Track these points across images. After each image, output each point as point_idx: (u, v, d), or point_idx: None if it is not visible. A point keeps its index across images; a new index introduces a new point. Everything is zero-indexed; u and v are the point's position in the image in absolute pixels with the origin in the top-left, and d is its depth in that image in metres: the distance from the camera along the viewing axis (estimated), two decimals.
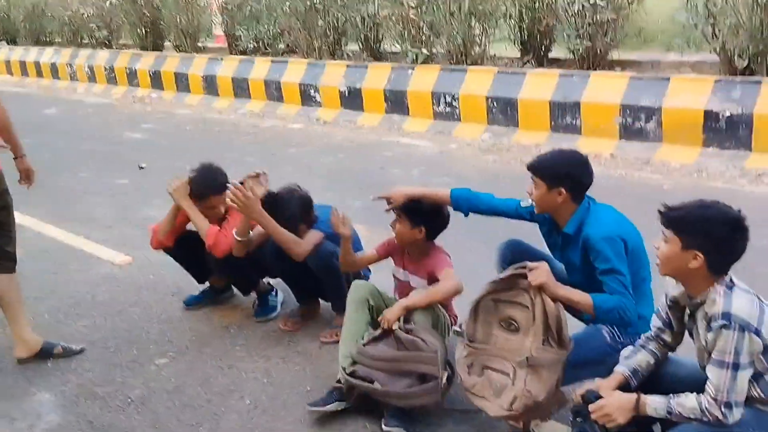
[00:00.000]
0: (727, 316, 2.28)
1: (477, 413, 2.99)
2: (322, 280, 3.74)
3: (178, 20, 13.12)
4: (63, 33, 16.42)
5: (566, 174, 2.92)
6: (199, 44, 13.61)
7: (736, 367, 2.27)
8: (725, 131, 6.71)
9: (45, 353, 3.77)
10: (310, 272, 3.76)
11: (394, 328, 3.10)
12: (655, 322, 2.71)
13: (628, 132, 7.29)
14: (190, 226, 4.04)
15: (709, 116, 6.78)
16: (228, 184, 3.62)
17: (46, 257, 5.29)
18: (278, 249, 3.76)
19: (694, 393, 2.37)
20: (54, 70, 15.33)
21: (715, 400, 2.29)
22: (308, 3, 10.83)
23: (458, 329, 3.05)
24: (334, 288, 3.74)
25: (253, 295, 4.25)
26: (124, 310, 4.35)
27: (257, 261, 3.90)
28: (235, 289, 4.41)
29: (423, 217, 3.35)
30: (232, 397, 3.36)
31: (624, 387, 2.59)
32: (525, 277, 2.81)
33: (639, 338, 2.82)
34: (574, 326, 2.96)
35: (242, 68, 11.49)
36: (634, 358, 2.67)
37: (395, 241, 3.53)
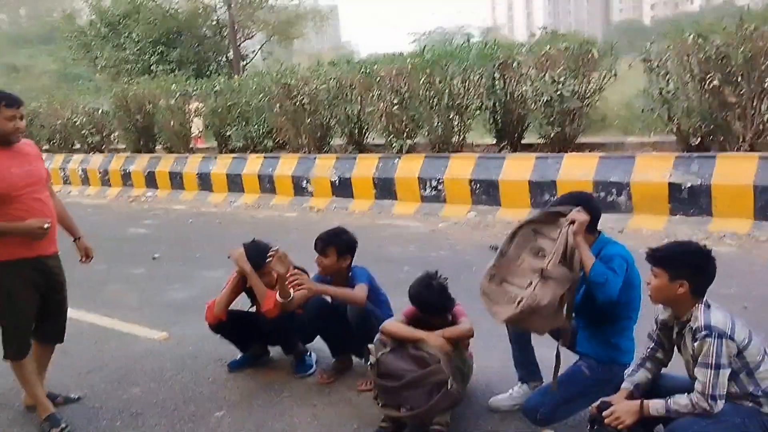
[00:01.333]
0: (708, 327, 2.93)
1: None
2: (358, 334, 4.27)
3: (172, 124, 13.91)
4: (54, 140, 17.11)
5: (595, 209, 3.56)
6: (191, 146, 14.38)
7: (718, 366, 2.89)
8: (688, 200, 7.53)
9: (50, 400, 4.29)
10: (345, 331, 4.35)
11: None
12: (649, 344, 3.32)
13: (602, 205, 8.00)
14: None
15: (673, 188, 7.61)
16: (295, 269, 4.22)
17: (87, 338, 5.73)
18: (317, 312, 4.37)
19: (686, 393, 2.98)
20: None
21: (702, 394, 2.91)
22: (297, 103, 11.71)
23: (494, 244, 3.59)
24: (369, 341, 4.28)
25: (291, 357, 4.79)
26: (173, 377, 4.82)
27: (300, 326, 4.50)
28: (271, 353, 4.95)
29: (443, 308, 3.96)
30: None
31: (629, 398, 3.19)
32: (565, 216, 3.37)
33: (615, 368, 3.45)
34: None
35: (235, 165, 12.25)
36: (636, 375, 3.28)
37: None
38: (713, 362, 2.89)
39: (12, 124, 3.87)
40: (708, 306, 3.02)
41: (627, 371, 3.36)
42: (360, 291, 4.23)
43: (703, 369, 2.92)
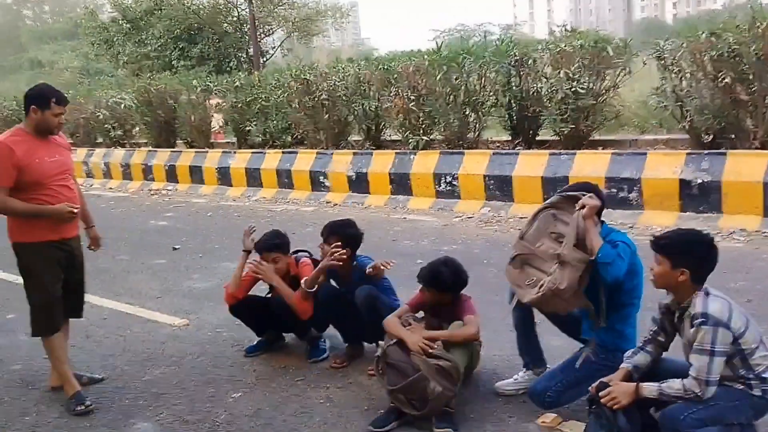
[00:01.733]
0: (705, 315, 3.05)
1: (511, 418, 3.72)
2: (368, 319, 4.45)
3: (193, 119, 14.16)
4: (77, 134, 17.43)
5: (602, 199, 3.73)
6: (211, 141, 14.64)
7: (712, 353, 3.02)
8: (699, 197, 7.63)
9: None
10: (355, 318, 4.55)
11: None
12: (652, 327, 3.46)
13: (613, 201, 8.17)
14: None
15: (684, 185, 7.71)
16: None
17: (109, 323, 5.97)
18: (329, 301, 4.59)
19: (679, 378, 3.11)
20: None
21: (696, 379, 3.04)
22: (315, 99, 11.91)
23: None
24: (377, 327, 4.44)
25: (305, 343, 4.99)
26: (193, 360, 5.03)
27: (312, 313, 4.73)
28: (286, 339, 5.15)
29: (449, 285, 4.08)
30: (303, 417, 4.03)
31: (628, 379, 3.34)
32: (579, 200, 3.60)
33: (618, 354, 3.57)
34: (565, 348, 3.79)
35: (254, 160, 12.48)
36: (636, 357, 3.43)
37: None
38: (709, 349, 3.01)
39: (57, 120, 4.22)
40: (707, 294, 3.14)
41: (627, 353, 3.50)
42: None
43: (698, 355, 3.04)
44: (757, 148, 7.78)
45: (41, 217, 4.20)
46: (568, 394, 3.73)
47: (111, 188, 14.87)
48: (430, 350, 3.79)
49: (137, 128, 16.47)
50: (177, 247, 8.64)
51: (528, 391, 3.89)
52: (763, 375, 3.08)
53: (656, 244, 3.25)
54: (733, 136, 8.14)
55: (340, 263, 4.47)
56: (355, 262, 4.66)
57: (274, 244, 4.81)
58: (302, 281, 4.57)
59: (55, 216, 4.22)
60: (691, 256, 3.15)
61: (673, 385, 3.10)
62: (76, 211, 4.29)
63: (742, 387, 3.09)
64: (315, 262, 4.99)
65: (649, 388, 3.17)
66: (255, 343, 5.11)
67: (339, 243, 4.52)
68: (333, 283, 4.80)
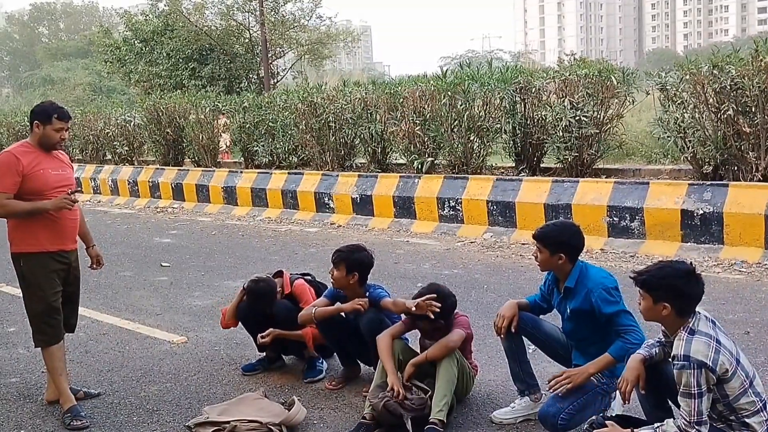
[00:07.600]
0: (686, 357, 3.02)
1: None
2: (368, 343, 4.47)
3: (201, 138, 14.30)
4: (86, 150, 17.61)
5: (564, 242, 3.78)
6: (218, 160, 14.76)
7: (700, 395, 2.99)
8: (700, 228, 7.63)
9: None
10: (355, 341, 4.57)
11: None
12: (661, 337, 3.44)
13: (615, 230, 8.21)
14: None
15: (686, 215, 7.72)
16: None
17: (108, 339, 6.00)
18: (329, 326, 4.63)
19: (672, 419, 3.10)
20: (77, 184, 16.40)
21: (689, 422, 3.01)
22: (322, 121, 12.01)
23: None
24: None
25: (303, 363, 5.02)
26: (189, 378, 5.05)
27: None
28: (285, 359, 5.17)
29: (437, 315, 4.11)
30: None
31: (643, 365, 3.33)
32: None
33: (614, 381, 3.57)
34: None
35: (260, 180, 12.57)
36: (653, 349, 3.39)
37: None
38: (695, 392, 2.99)
39: (59, 135, 4.32)
40: (692, 332, 3.08)
41: (644, 344, 3.47)
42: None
43: (686, 398, 3.01)
44: (759, 180, 7.80)
45: (41, 213, 4.26)
46: (578, 417, 3.70)
47: (118, 205, 14.98)
48: (405, 401, 3.97)
49: (146, 146, 16.62)
50: (165, 264, 8.70)
51: (539, 414, 3.84)
52: (746, 420, 3.05)
53: (636, 280, 3.23)
54: (735, 167, 8.16)
55: (362, 309, 4.44)
56: (368, 292, 4.56)
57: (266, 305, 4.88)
58: (313, 313, 4.57)
59: (55, 207, 4.28)
60: (670, 290, 3.11)
61: (669, 429, 3.07)
62: (75, 199, 4.34)
63: (722, 426, 3.07)
64: (316, 284, 5.05)
65: None
66: (254, 361, 5.14)
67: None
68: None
